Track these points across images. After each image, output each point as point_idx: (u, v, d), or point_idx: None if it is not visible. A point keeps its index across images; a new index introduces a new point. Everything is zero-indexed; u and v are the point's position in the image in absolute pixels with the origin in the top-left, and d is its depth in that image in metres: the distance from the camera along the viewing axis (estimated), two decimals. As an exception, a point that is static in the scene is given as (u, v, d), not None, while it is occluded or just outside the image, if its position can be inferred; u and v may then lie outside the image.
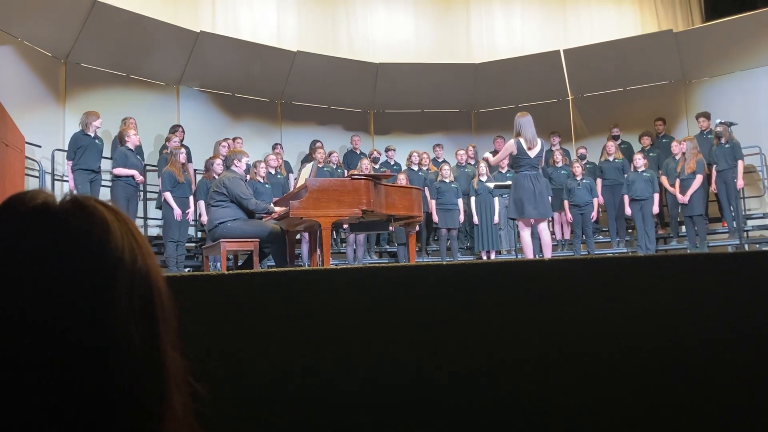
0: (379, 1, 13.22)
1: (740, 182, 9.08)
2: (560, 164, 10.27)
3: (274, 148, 10.32)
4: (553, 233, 10.04)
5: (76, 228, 0.66)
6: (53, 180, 8.50)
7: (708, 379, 2.03)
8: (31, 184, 7.80)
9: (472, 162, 10.64)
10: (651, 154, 10.10)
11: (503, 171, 9.64)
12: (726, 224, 9.58)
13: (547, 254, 6.63)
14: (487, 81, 12.11)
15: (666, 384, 2.03)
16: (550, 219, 9.64)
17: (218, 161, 8.15)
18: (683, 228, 9.58)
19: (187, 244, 8.74)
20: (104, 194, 8.16)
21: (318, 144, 10.42)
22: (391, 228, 7.72)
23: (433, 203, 9.76)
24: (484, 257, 9.68)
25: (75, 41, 9.17)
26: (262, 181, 8.66)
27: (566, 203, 9.76)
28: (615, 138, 10.66)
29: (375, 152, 10.85)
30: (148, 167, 9.28)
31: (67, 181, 8.16)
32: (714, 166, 9.30)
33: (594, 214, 9.74)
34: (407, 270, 2.21)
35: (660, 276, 2.14)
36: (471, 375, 2.02)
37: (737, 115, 9.34)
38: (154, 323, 0.68)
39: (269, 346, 1.99)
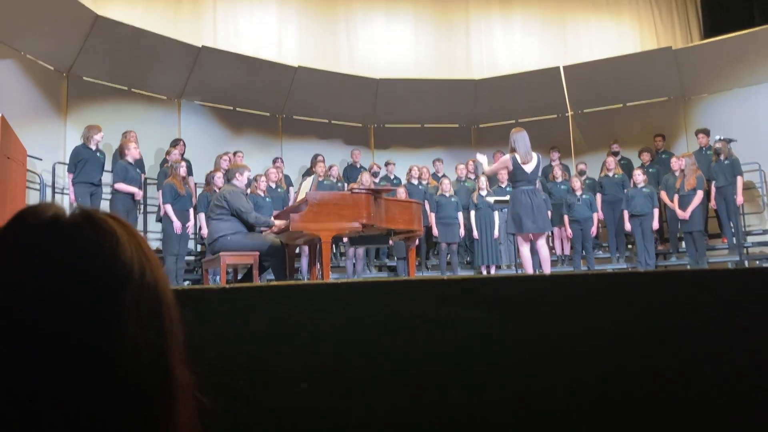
0: (380, 16, 13.31)
1: (740, 198, 9.10)
2: (560, 179, 10.29)
3: (274, 162, 10.34)
4: (553, 248, 10.05)
5: (86, 241, 0.66)
6: (53, 193, 8.50)
7: (710, 394, 2.03)
8: (32, 197, 7.80)
9: (472, 176, 10.66)
10: (650, 170, 10.11)
11: (503, 185, 9.65)
12: (726, 240, 9.58)
13: (546, 269, 6.64)
14: (487, 96, 12.16)
15: (666, 399, 2.03)
16: (550, 234, 9.65)
17: (219, 175, 8.16)
18: (683, 244, 9.58)
19: (186, 258, 8.72)
20: (104, 207, 8.14)
21: (320, 158, 10.44)
22: (390, 242, 7.72)
23: (432, 217, 9.76)
24: (484, 272, 9.68)
25: (77, 55, 9.21)
26: (262, 194, 8.67)
27: (566, 218, 9.76)
28: (615, 154, 10.67)
29: (375, 166, 10.87)
30: (148, 180, 9.29)
31: (67, 194, 8.17)
32: (713, 182, 9.31)
33: (594, 230, 9.73)
34: (407, 284, 2.22)
35: (660, 292, 2.15)
36: (471, 388, 2.01)
37: (736, 131, 9.37)
38: (162, 336, 0.69)
39: (269, 360, 1.99)
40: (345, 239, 7.74)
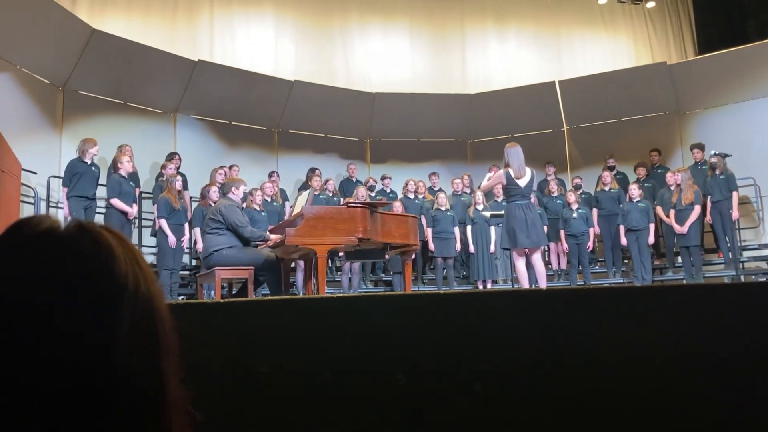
0: (376, 31, 13.38)
1: (735, 213, 9.12)
2: (556, 194, 10.31)
3: (270, 176, 10.34)
4: (549, 263, 10.05)
5: (81, 253, 0.66)
6: (48, 207, 8.47)
7: (705, 408, 2.02)
8: (26, 210, 7.78)
9: (468, 191, 10.67)
10: (646, 185, 10.13)
11: (499, 200, 9.66)
12: (722, 255, 9.59)
13: (542, 284, 6.64)
14: (483, 111, 12.20)
15: (663, 413, 2.01)
16: (546, 248, 9.64)
17: (214, 189, 8.15)
18: (679, 259, 9.59)
19: (181, 272, 8.69)
20: (98, 221, 8.11)
21: (316, 172, 10.44)
22: (387, 256, 7.71)
23: (429, 231, 9.76)
24: (480, 286, 9.66)
25: (73, 69, 9.21)
26: (258, 208, 8.65)
27: (562, 233, 9.76)
28: (610, 168, 10.70)
29: (371, 180, 10.88)
30: (143, 194, 9.27)
31: (62, 208, 8.14)
32: (709, 197, 9.33)
33: (590, 244, 9.74)
34: (403, 299, 2.21)
35: (656, 306, 2.14)
36: (466, 402, 2.00)
37: (731, 146, 9.40)
38: (156, 350, 0.68)
39: (264, 374, 1.97)
40: (341, 253, 7.72)
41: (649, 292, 2.31)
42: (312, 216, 5.50)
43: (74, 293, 0.64)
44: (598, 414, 2.03)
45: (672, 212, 9.21)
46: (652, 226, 9.33)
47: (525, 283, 6.72)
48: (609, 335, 2.10)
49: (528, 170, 6.61)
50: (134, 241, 8.91)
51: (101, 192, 8.32)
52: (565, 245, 9.77)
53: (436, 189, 10.87)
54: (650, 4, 14.10)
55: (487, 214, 8.67)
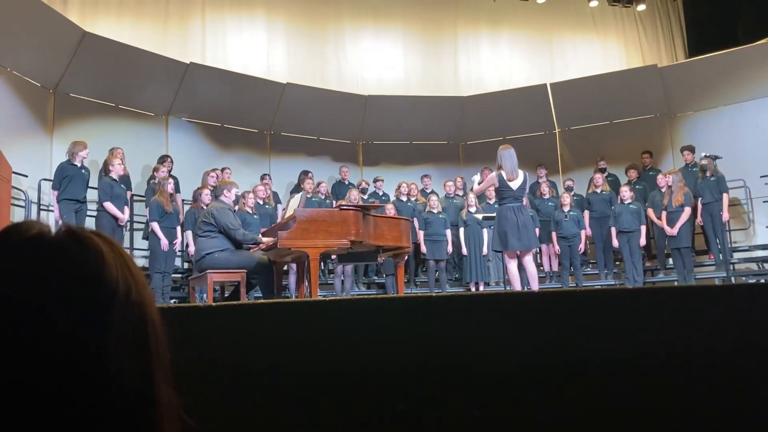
0: (369, 33, 13.39)
1: (725, 215, 9.16)
2: (547, 196, 10.33)
3: (262, 178, 10.32)
4: (540, 265, 10.07)
5: (71, 259, 0.66)
6: (39, 210, 8.43)
7: (695, 411, 2.03)
8: (17, 214, 7.74)
9: (460, 193, 10.68)
10: (637, 187, 10.17)
11: (491, 202, 9.67)
12: (712, 257, 9.63)
13: (534, 286, 6.64)
14: (475, 114, 12.23)
15: (655, 414, 2.02)
16: (538, 251, 9.66)
17: (206, 191, 8.12)
18: (670, 260, 9.62)
19: (173, 275, 8.66)
20: (89, 225, 8.10)
21: (308, 174, 10.43)
22: (379, 259, 7.71)
23: (421, 234, 9.75)
24: (473, 288, 9.67)
25: (64, 71, 9.18)
26: (250, 211, 8.63)
27: (554, 235, 9.78)
28: (602, 171, 10.73)
29: (363, 183, 10.88)
30: (135, 197, 9.24)
31: (52, 211, 8.11)
32: (699, 199, 9.37)
33: (582, 246, 9.77)
34: (395, 301, 2.21)
35: (648, 308, 2.15)
36: (459, 406, 2.00)
37: (721, 148, 9.43)
38: (146, 356, 0.67)
39: (256, 378, 1.97)
40: (333, 256, 7.71)
41: (640, 294, 2.32)
42: (304, 219, 5.49)
43: (64, 299, 0.63)
44: (591, 415, 2.03)
45: (663, 214, 9.24)
46: (643, 228, 9.36)
47: (517, 285, 6.73)
48: (601, 337, 2.10)
49: (521, 173, 6.61)
50: (126, 244, 8.87)
51: (91, 195, 8.29)
52: (557, 247, 9.79)
53: (428, 191, 10.88)
54: (641, 7, 14.15)
55: (480, 216, 8.68)
